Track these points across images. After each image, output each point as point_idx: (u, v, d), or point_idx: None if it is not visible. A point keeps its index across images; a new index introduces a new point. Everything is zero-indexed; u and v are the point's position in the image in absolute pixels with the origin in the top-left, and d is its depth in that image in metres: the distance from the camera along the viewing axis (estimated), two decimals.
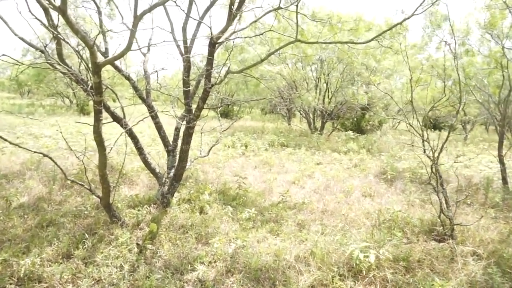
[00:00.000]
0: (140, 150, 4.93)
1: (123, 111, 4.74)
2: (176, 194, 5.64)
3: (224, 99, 6.89)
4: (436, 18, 6.65)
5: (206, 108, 4.69)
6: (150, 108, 5.33)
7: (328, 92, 15.83)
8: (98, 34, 2.86)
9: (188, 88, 4.60)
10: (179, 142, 5.19)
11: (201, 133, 5.55)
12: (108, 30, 2.71)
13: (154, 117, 5.35)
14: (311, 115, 16.58)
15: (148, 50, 5.98)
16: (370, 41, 3.89)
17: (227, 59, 4.01)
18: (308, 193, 6.96)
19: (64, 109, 23.35)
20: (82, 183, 4.11)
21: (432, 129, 25.58)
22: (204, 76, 4.37)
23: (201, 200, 5.50)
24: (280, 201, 5.80)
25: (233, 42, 4.28)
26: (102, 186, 3.97)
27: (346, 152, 11.49)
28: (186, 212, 5.11)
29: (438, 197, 4.63)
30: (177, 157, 5.12)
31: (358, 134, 15.13)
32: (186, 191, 5.85)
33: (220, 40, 4.24)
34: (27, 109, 21.48)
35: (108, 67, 5.26)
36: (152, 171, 5.16)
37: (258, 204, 5.95)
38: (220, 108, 5.16)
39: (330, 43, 4.03)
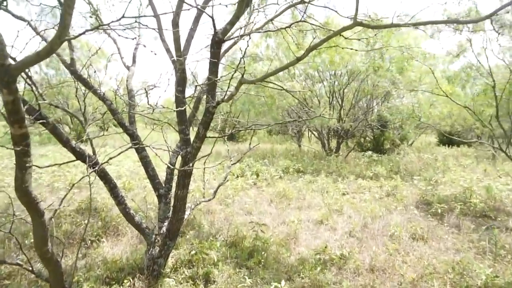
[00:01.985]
0: (117, 198, 3.47)
1: (91, 144, 3.33)
2: (172, 253, 4.16)
3: (232, 122, 5.39)
4: None
5: (209, 137, 3.27)
6: (134, 139, 3.92)
7: (342, 109, 14.42)
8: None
9: (183, 108, 3.19)
10: (174, 183, 3.73)
11: (204, 168, 4.10)
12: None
13: (139, 150, 3.93)
14: (325, 135, 15.10)
15: (134, 61, 4.64)
16: (483, 19, 2.49)
17: (239, 64, 2.61)
18: (342, 237, 5.43)
19: None
20: (20, 263, 2.62)
21: (447, 145, 24.04)
22: (206, 90, 2.97)
23: (206, 261, 4.00)
24: (317, 263, 4.26)
25: (249, 38, 2.89)
26: (48, 269, 2.49)
27: (373, 178, 9.95)
28: (184, 284, 3.60)
29: None
30: (172, 206, 3.66)
31: (378, 155, 13.61)
32: (186, 248, 4.35)
33: (227, 37, 2.86)
34: None
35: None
36: (137, 226, 3.68)
37: (283, 262, 4.42)
38: (227, 135, 3.75)
39: (412, 25, 2.62)
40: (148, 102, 4.04)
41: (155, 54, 2.45)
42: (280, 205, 7.12)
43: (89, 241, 4.70)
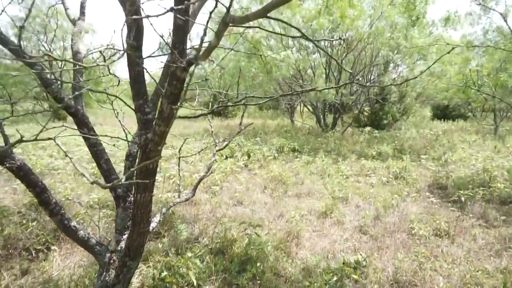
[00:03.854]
0: (49, 206, 2.40)
1: (2, 131, 2.22)
2: (139, 269, 3.17)
3: (219, 96, 4.06)
4: None
5: (180, 117, 2.19)
6: (78, 120, 2.80)
7: (339, 81, 13.30)
8: None
9: (140, 70, 2.09)
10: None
11: (179, 157, 3.04)
12: None
13: (87, 136, 2.82)
14: (320, 110, 14.03)
15: (82, 13, 3.43)
16: None
17: None
18: (353, 235, 4.50)
19: (36, 115, 20.44)
20: None
21: (442, 119, 23.36)
22: (172, 42, 1.86)
23: (185, 279, 3.01)
24: (327, 275, 3.29)
25: None
26: None
27: (376, 157, 9.01)
28: None
29: None
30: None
31: (378, 131, 12.68)
32: (158, 261, 3.34)
33: None
34: None
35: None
36: (83, 243, 2.63)
37: (284, 274, 3.46)
38: (208, 113, 2.60)
39: None
40: (109, 71, 2.92)
41: None
42: (275, 193, 6.13)
43: (34, 251, 3.65)
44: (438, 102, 23.41)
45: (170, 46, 1.99)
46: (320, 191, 6.25)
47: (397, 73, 11.39)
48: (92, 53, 3.23)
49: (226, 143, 3.31)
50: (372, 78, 12.58)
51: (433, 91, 16.21)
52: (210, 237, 4.04)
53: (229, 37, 5.08)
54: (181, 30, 1.86)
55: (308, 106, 15.15)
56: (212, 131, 3.42)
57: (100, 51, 3.06)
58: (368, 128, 12.59)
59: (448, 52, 1.97)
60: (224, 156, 8.52)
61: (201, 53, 1.76)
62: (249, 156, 8.52)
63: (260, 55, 3.60)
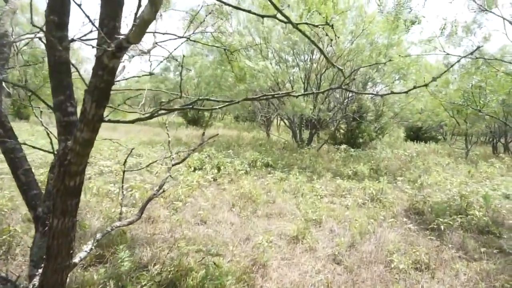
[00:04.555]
0: None
1: None
2: None
3: (186, 98, 3.51)
4: None
5: (113, 122, 1.65)
6: None
7: (317, 97, 13.06)
8: None
9: (61, 56, 1.57)
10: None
11: (124, 171, 2.48)
12: None
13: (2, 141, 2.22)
14: (297, 125, 13.71)
15: None
16: None
17: None
18: (326, 265, 4.03)
19: None
20: None
21: (415, 141, 23.79)
22: (99, 18, 1.34)
23: None
24: None
25: None
26: None
27: (351, 176, 8.68)
28: None
29: None
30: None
31: (354, 149, 12.47)
32: None
33: None
34: None
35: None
36: None
37: None
38: (150, 115, 2.00)
39: None
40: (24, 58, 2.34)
41: None
42: (244, 212, 5.61)
43: None
44: (411, 124, 23.83)
45: (99, 24, 1.48)
46: (292, 211, 5.79)
47: (375, 92, 11.29)
48: (21, 38, 2.66)
49: (184, 157, 2.80)
50: (350, 96, 12.41)
51: (410, 111, 16.33)
52: (162, 264, 3.45)
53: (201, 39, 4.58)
54: (111, 2, 1.36)
55: (285, 120, 14.82)
56: (169, 141, 2.89)
57: (39, 37, 2.52)
58: (344, 146, 12.37)
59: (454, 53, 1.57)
60: (192, 168, 7.93)
61: (132, 31, 1.25)
62: (219, 169, 7.97)
63: (226, 50, 3.20)
